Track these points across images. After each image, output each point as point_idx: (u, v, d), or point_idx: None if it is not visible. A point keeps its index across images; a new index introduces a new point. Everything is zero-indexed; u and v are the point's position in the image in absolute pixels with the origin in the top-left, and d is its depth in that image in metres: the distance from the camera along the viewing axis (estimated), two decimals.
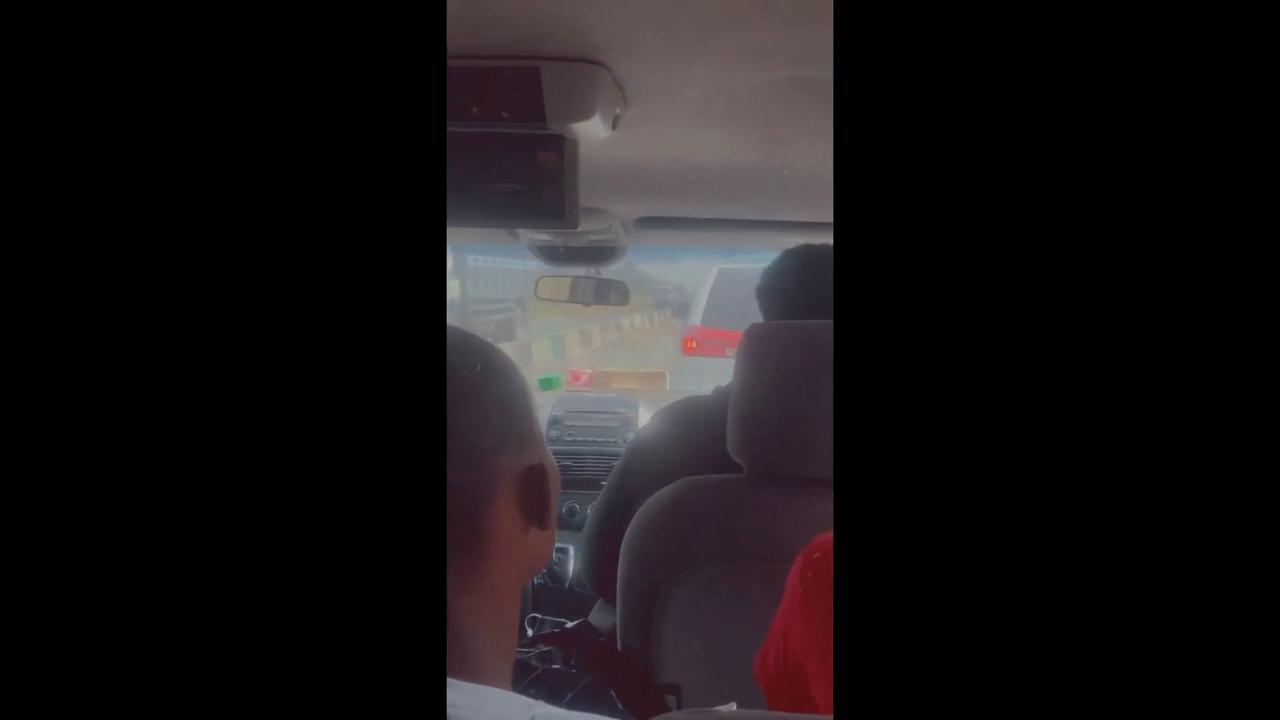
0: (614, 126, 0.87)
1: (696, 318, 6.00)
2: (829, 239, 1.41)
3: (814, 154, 1.10)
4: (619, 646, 1.12)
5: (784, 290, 1.29)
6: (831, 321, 0.38)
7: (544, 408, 2.20)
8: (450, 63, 0.77)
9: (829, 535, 0.79)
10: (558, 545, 1.24)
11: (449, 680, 0.53)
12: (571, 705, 0.86)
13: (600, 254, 1.90)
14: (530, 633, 1.05)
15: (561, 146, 0.86)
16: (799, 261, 1.31)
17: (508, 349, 0.84)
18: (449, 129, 0.80)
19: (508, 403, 0.58)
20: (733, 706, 0.72)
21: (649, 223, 1.71)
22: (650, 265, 9.59)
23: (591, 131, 0.84)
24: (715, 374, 1.53)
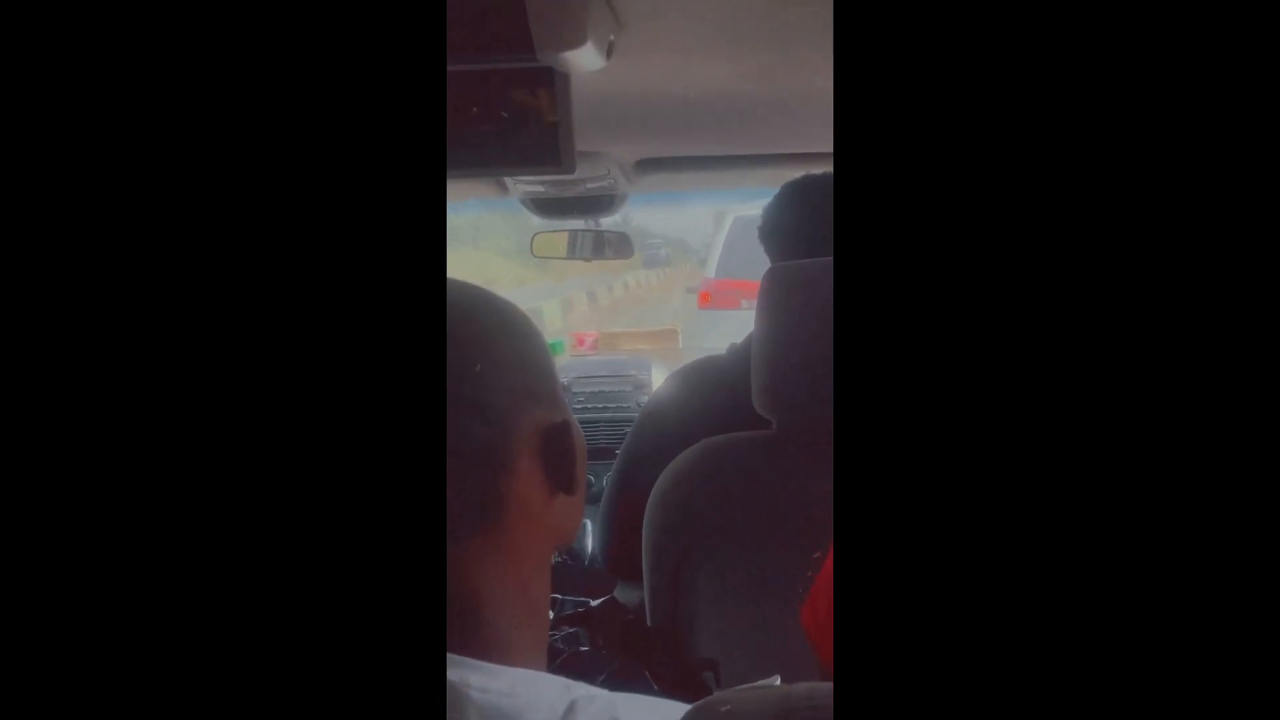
0: (608, 55, 0.85)
1: (711, 269, 5.99)
2: None
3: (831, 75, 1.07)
4: (648, 623, 1.13)
5: (790, 227, 1.28)
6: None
7: None
8: None
9: None
10: None
11: (479, 664, 0.54)
12: (603, 688, 0.86)
13: (598, 203, 1.89)
14: (552, 614, 1.06)
15: (552, 81, 0.85)
16: (800, 193, 1.29)
17: None
18: None
19: (524, 357, 0.58)
20: (776, 680, 0.72)
21: (650, 165, 1.70)
22: (647, 214, 9.23)
23: (584, 61, 0.83)
24: (734, 329, 1.52)
